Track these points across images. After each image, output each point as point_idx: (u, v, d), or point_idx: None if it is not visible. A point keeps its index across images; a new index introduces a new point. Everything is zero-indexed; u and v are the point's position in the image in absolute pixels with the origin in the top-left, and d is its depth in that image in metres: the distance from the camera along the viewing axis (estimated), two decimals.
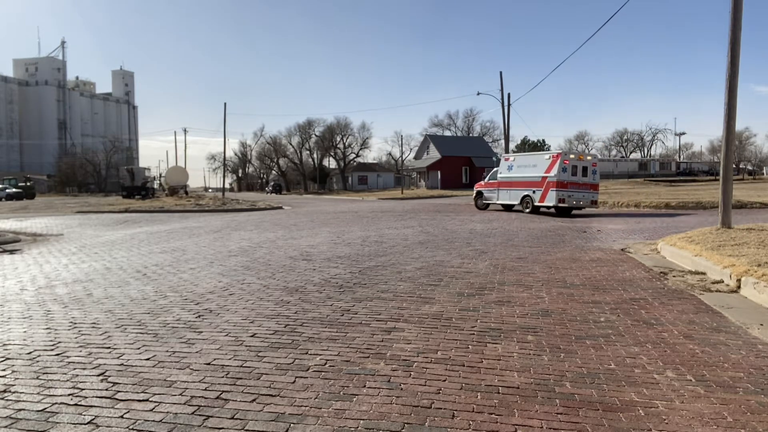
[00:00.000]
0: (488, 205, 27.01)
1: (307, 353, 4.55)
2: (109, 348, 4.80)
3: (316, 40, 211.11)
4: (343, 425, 3.23)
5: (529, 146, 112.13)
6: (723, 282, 7.16)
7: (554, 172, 22.52)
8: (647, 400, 3.54)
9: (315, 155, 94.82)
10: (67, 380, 4.02)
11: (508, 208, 26.20)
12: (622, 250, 10.87)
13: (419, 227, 16.70)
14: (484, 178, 28.07)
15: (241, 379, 4.00)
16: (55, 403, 3.60)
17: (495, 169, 27.21)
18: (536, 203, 23.14)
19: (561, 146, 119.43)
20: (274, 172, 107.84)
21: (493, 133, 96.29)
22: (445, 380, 3.91)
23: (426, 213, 24.48)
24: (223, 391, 3.76)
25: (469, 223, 18.29)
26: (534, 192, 23.29)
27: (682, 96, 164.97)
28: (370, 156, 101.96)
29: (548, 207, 22.90)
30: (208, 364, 4.34)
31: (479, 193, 27.67)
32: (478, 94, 67.63)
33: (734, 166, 57.23)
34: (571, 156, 23.09)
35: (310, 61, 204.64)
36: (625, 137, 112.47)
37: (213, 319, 5.77)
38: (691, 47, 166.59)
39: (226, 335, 5.13)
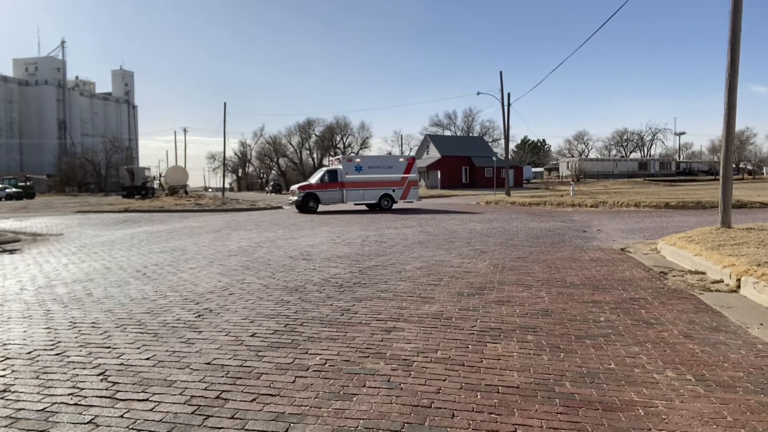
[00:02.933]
0: (317, 207, 26.29)
1: (307, 353, 4.56)
2: (108, 348, 4.80)
3: (315, 40, 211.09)
4: (343, 425, 3.23)
5: (529, 146, 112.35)
6: (723, 282, 7.16)
7: (414, 172, 28.06)
8: (647, 399, 3.54)
9: (315, 155, 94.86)
10: (67, 380, 4.02)
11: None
12: (621, 249, 10.87)
13: (419, 227, 16.70)
14: (319, 179, 26.88)
15: (241, 378, 4.00)
16: (55, 403, 3.60)
17: (331, 169, 27.06)
18: (397, 200, 27.55)
19: (560, 146, 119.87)
20: (273, 171, 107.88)
21: (493, 133, 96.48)
22: (444, 380, 3.91)
23: (425, 213, 24.48)
24: (223, 391, 3.76)
25: (469, 222, 18.30)
26: (394, 191, 27.38)
27: (682, 96, 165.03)
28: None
29: (393, 202, 27.38)
30: (208, 363, 4.34)
31: (311, 195, 26.13)
32: (478, 93, 67.40)
33: (734, 165, 57.29)
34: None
35: (310, 60, 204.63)
36: (625, 137, 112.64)
37: (213, 318, 5.78)
38: (690, 47, 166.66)
39: (226, 335, 5.13)
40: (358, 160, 28.01)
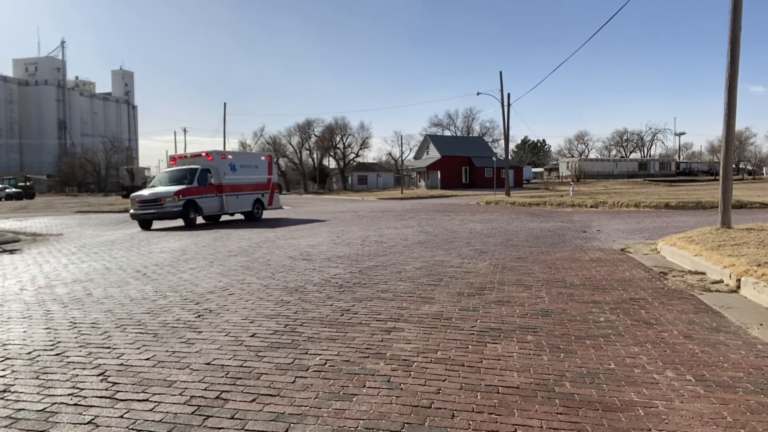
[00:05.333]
0: (195, 219, 19.69)
1: (306, 353, 4.55)
2: (108, 348, 4.80)
3: (315, 41, 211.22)
4: (343, 425, 3.23)
5: (529, 146, 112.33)
6: (723, 282, 7.16)
7: (275, 173, 24.15)
8: (647, 399, 3.54)
9: (315, 155, 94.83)
10: (67, 380, 4.02)
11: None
12: (621, 250, 10.86)
13: (419, 227, 16.70)
14: (196, 180, 19.39)
15: (240, 378, 3.99)
16: (55, 403, 3.60)
17: (204, 167, 19.99)
18: (265, 207, 22.87)
19: (560, 146, 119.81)
20: None
21: (493, 133, 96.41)
22: (444, 380, 3.91)
23: (426, 213, 24.47)
24: (222, 391, 3.76)
25: (469, 223, 18.30)
26: (263, 195, 22.83)
27: (682, 96, 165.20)
28: (369, 156, 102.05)
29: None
30: (208, 363, 4.33)
31: (192, 204, 19.02)
32: (478, 94, 67.50)
33: (734, 166, 57.41)
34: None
35: (310, 61, 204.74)
36: (625, 137, 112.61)
37: (213, 318, 5.77)
38: (690, 47, 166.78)
39: (226, 335, 5.13)
40: (230, 156, 21.78)
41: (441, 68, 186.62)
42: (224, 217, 22.34)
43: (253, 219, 22.03)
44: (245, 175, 21.76)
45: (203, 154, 20.87)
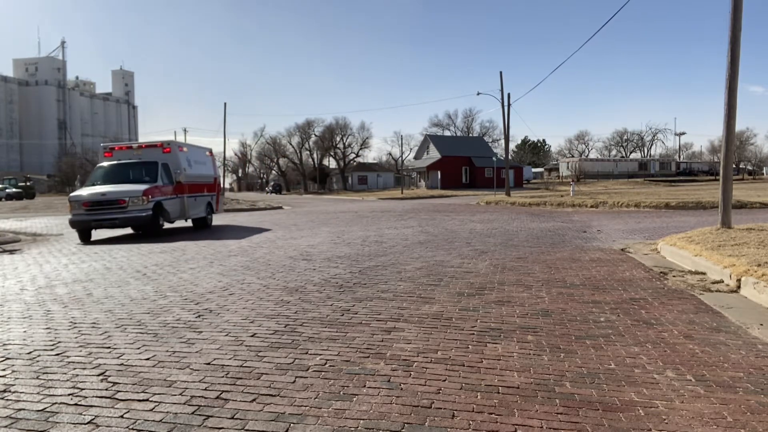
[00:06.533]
0: (163, 224, 15.92)
1: (307, 353, 4.55)
2: (109, 348, 4.79)
3: (315, 41, 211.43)
4: (343, 425, 3.23)
5: (529, 146, 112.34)
6: (723, 282, 7.15)
7: (218, 171, 20.56)
8: (647, 399, 3.53)
9: (315, 155, 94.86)
10: (67, 380, 4.01)
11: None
12: (622, 250, 10.86)
13: (419, 227, 16.69)
14: (159, 177, 15.73)
15: (241, 378, 3.99)
16: (55, 403, 3.60)
17: (164, 162, 16.17)
18: (214, 211, 19.07)
19: (561, 146, 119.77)
20: (274, 172, 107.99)
21: (493, 133, 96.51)
22: (445, 380, 3.91)
23: (426, 213, 24.46)
24: (223, 391, 3.76)
25: (469, 223, 18.30)
26: (212, 198, 18.83)
27: (682, 96, 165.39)
28: (370, 156, 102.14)
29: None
30: (208, 363, 4.33)
31: (159, 207, 15.31)
32: (478, 94, 67.48)
33: (734, 166, 57.41)
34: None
35: (310, 61, 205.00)
36: (625, 137, 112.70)
37: (213, 318, 5.77)
38: (690, 47, 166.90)
39: (226, 335, 5.13)
40: (185, 149, 17.70)
41: (441, 68, 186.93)
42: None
43: (205, 226, 18.28)
44: (199, 172, 18.09)
45: (158, 144, 16.93)
